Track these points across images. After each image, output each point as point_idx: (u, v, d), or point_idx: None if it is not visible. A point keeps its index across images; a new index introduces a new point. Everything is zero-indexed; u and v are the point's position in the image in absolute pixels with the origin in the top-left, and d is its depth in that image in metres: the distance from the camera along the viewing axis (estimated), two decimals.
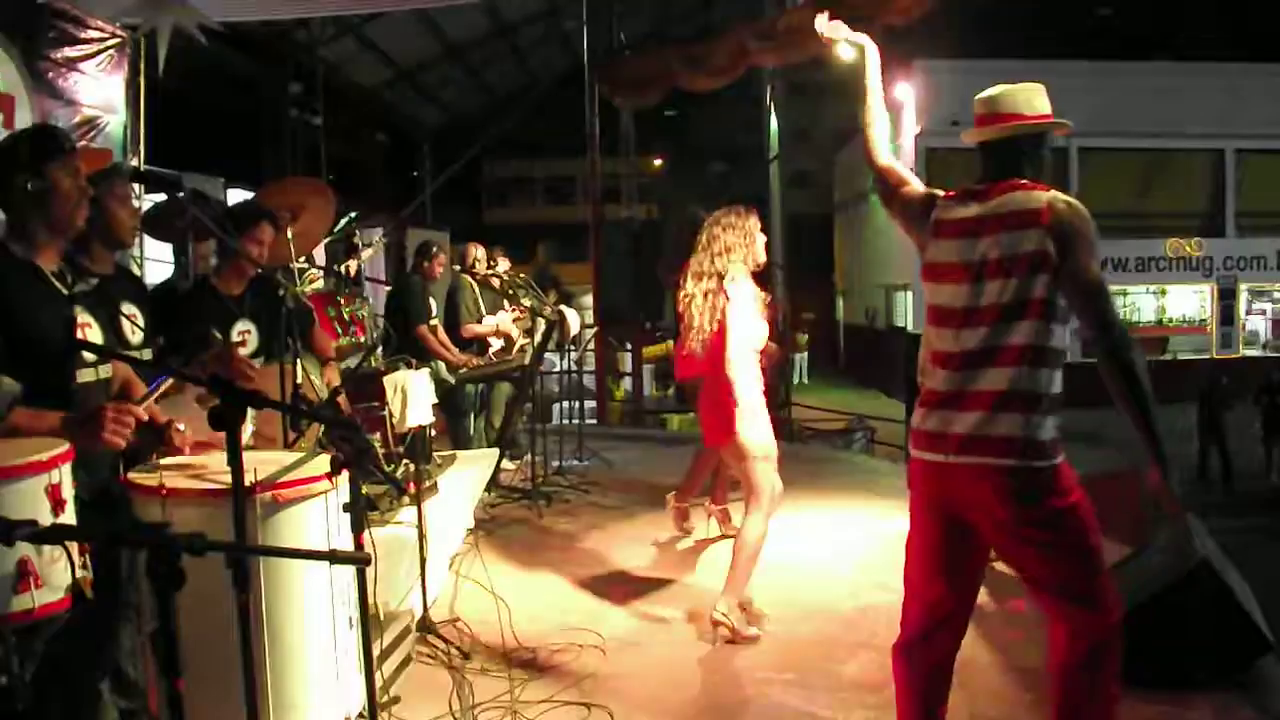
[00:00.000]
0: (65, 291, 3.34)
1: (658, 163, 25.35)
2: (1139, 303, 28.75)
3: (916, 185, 3.67)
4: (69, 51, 6.76)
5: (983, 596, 5.69)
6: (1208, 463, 18.84)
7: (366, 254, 6.51)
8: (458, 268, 9.22)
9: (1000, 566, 3.82)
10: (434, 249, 8.83)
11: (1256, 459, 18.78)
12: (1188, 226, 28.20)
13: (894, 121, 28.38)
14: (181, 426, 3.55)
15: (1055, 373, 3.26)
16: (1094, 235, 3.22)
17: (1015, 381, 3.22)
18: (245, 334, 4.71)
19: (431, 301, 8.70)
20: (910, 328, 25.13)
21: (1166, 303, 28.95)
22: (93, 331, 3.39)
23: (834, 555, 6.35)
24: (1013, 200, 3.30)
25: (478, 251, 9.11)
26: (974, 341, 3.29)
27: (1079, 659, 3.29)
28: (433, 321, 8.63)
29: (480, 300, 9.09)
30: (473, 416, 8.84)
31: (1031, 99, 3.46)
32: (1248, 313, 28.89)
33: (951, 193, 3.52)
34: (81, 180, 3.34)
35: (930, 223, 3.48)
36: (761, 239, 5.41)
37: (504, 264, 9.43)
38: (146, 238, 6.31)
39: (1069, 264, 3.18)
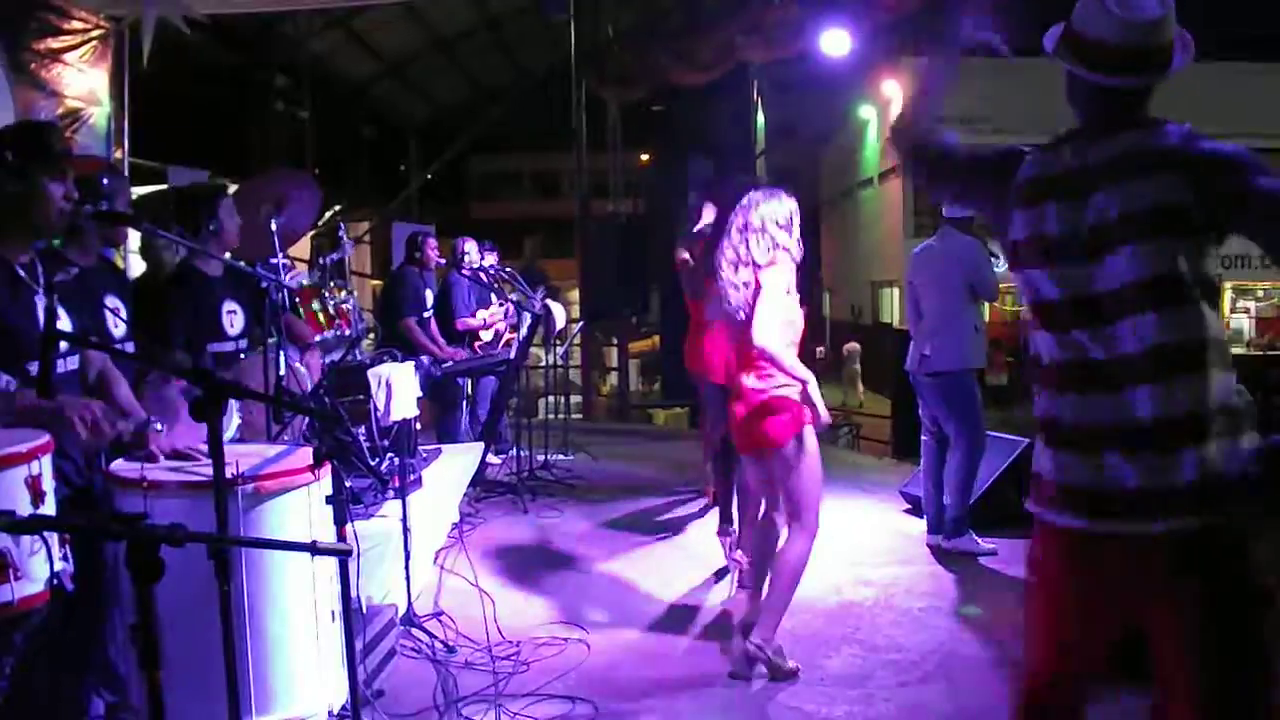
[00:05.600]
0: (35, 285, 3.28)
1: (644, 158, 25.24)
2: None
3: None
4: (52, 42, 6.73)
5: (969, 592, 5.72)
6: None
7: (337, 255, 6.48)
8: (444, 261, 9.20)
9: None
10: (425, 237, 8.82)
11: None
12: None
13: (883, 118, 28.46)
14: (159, 427, 3.52)
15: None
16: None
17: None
18: (232, 314, 4.69)
19: (428, 294, 8.69)
20: (896, 324, 25.15)
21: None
22: (60, 323, 3.35)
23: (818, 551, 6.33)
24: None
25: (468, 245, 9.10)
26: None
27: None
28: (426, 315, 8.61)
29: (471, 294, 9.10)
30: (463, 410, 8.83)
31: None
32: (1232, 311, 28.99)
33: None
34: (69, 185, 3.29)
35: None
36: (798, 225, 4.83)
37: (491, 258, 9.41)
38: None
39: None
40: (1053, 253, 2.49)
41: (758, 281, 4.63)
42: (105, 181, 3.98)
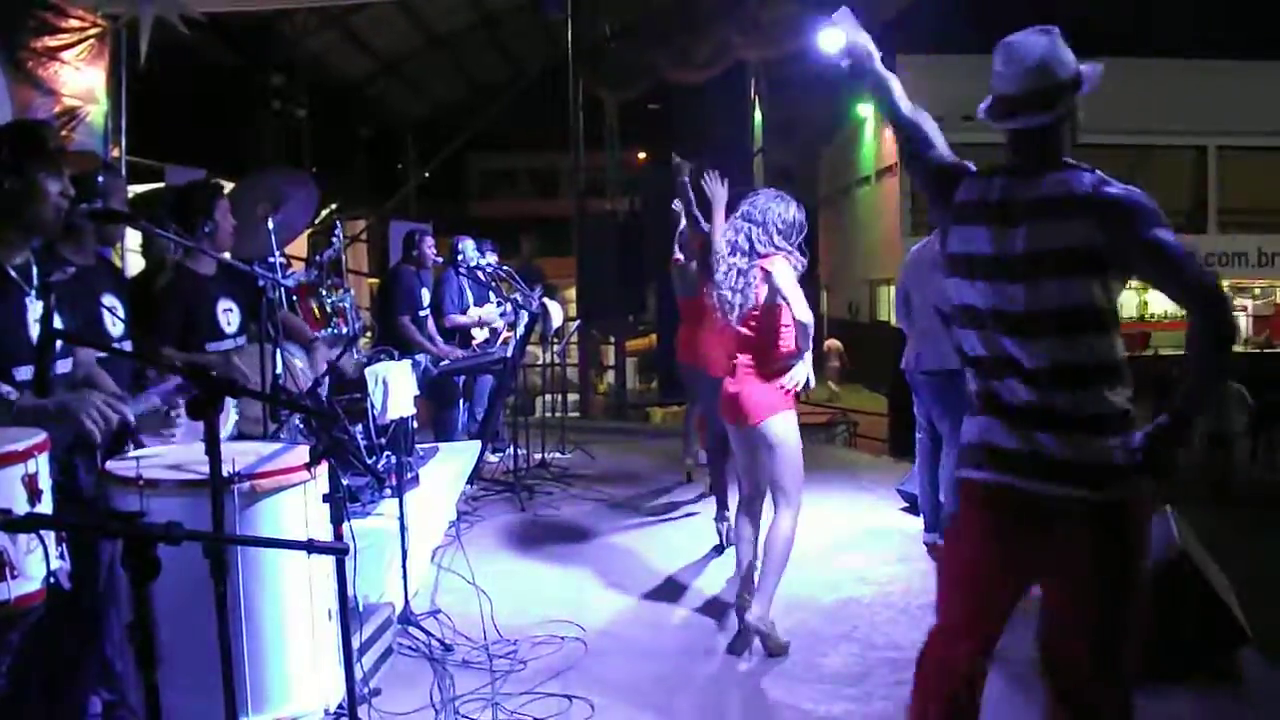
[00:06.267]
0: (28, 286, 3.26)
1: (642, 156, 25.22)
2: (1121, 298, 28.75)
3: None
4: (49, 41, 6.72)
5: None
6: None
7: (329, 253, 6.49)
8: (441, 259, 9.18)
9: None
10: (422, 235, 8.81)
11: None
12: (1170, 222, 28.18)
13: (879, 117, 28.44)
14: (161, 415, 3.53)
15: None
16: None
17: None
18: (228, 312, 4.68)
19: (424, 292, 8.68)
20: (893, 322, 25.17)
21: (1149, 298, 29.04)
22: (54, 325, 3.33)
23: (816, 549, 6.34)
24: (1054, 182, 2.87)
25: (466, 244, 9.09)
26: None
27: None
28: (423, 313, 8.60)
29: (465, 292, 9.07)
30: (460, 408, 8.82)
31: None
32: None
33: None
34: (65, 183, 3.28)
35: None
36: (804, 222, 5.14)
37: (493, 258, 9.41)
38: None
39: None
40: (982, 271, 2.89)
41: (761, 271, 4.93)
42: (100, 179, 3.97)
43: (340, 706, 3.57)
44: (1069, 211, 2.77)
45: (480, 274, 9.00)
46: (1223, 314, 2.79)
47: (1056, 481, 2.82)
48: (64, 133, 6.61)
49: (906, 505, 7.42)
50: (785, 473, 5.02)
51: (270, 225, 5.40)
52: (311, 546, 2.59)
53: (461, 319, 8.94)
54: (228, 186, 5.50)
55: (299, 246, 10.91)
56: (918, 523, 6.81)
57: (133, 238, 7.03)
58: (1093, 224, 2.74)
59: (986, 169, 3.01)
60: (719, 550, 6.54)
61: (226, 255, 4.98)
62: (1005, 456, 2.89)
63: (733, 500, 6.32)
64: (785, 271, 4.91)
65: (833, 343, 25.55)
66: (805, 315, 4.86)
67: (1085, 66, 2.92)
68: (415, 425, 6.50)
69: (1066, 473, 2.80)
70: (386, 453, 5.75)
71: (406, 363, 6.50)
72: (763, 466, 5.11)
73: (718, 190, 5.46)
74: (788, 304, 4.90)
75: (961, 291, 2.98)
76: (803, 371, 4.97)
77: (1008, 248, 2.84)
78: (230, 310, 4.67)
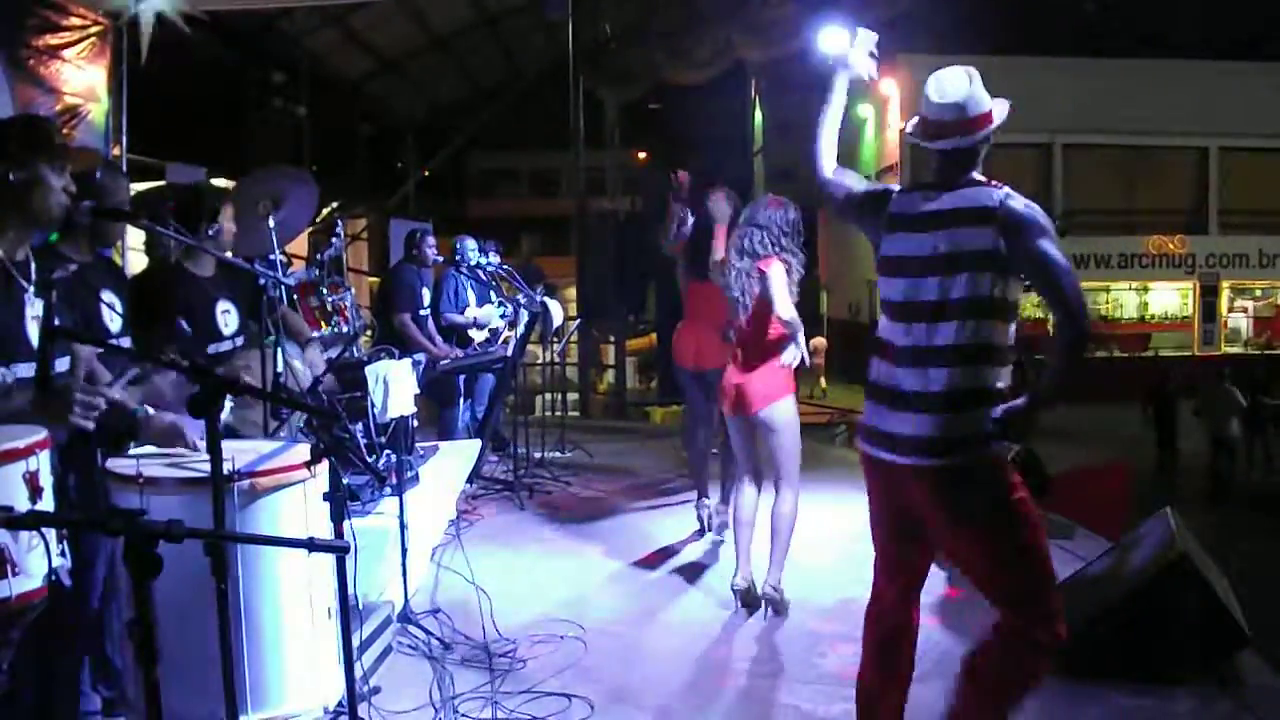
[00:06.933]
0: (27, 282, 3.26)
1: (642, 156, 25.25)
2: (1121, 299, 28.85)
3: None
4: (50, 39, 6.72)
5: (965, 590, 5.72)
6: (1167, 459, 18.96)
7: (331, 252, 6.50)
8: (442, 258, 9.17)
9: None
10: (423, 234, 8.81)
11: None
12: (1171, 223, 28.28)
13: (880, 116, 28.45)
14: (150, 409, 3.52)
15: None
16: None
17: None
18: (226, 313, 4.67)
19: (425, 291, 8.67)
20: None
21: (1149, 299, 29.07)
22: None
23: (815, 548, 6.35)
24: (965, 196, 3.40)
25: (468, 243, 9.09)
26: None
27: (999, 657, 3.45)
28: (423, 312, 8.60)
29: (465, 290, 9.06)
30: (461, 406, 8.82)
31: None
32: (1230, 310, 29.01)
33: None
34: (67, 178, 3.28)
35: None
36: (800, 226, 5.52)
37: (497, 258, 9.42)
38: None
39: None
40: (904, 270, 3.43)
41: (759, 271, 5.33)
42: (99, 176, 3.96)
43: (340, 705, 3.57)
44: (979, 221, 3.30)
45: (481, 273, 9.00)
46: (1084, 324, 3.29)
47: (934, 455, 3.31)
48: (65, 131, 6.60)
49: None
50: (787, 455, 5.42)
51: (271, 223, 5.40)
52: (312, 545, 2.59)
53: (457, 318, 8.90)
54: (228, 185, 5.50)
55: (299, 245, 10.90)
56: None
57: (134, 236, 7.01)
58: (996, 232, 3.27)
59: (909, 186, 3.58)
60: (699, 534, 6.87)
61: (228, 253, 4.97)
62: (890, 433, 3.41)
63: (713, 491, 6.93)
64: (778, 273, 5.30)
65: (818, 341, 25.82)
66: (787, 313, 5.23)
67: (997, 103, 3.44)
68: (416, 424, 6.50)
69: (942, 444, 3.29)
70: (387, 451, 5.75)
71: (407, 361, 6.49)
72: (765, 451, 5.51)
73: (722, 208, 6.12)
74: (772, 303, 5.26)
75: (889, 287, 3.50)
76: (793, 353, 5.32)
77: (929, 249, 3.37)
78: (228, 312, 4.65)
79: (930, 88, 3.43)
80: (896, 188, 3.62)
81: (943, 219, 3.37)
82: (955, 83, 3.41)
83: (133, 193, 5.39)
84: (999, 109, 3.43)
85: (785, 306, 5.24)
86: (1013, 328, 3.38)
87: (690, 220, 6.70)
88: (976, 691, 3.50)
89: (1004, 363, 3.35)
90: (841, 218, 3.82)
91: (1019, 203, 3.31)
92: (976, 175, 3.43)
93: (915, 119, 3.53)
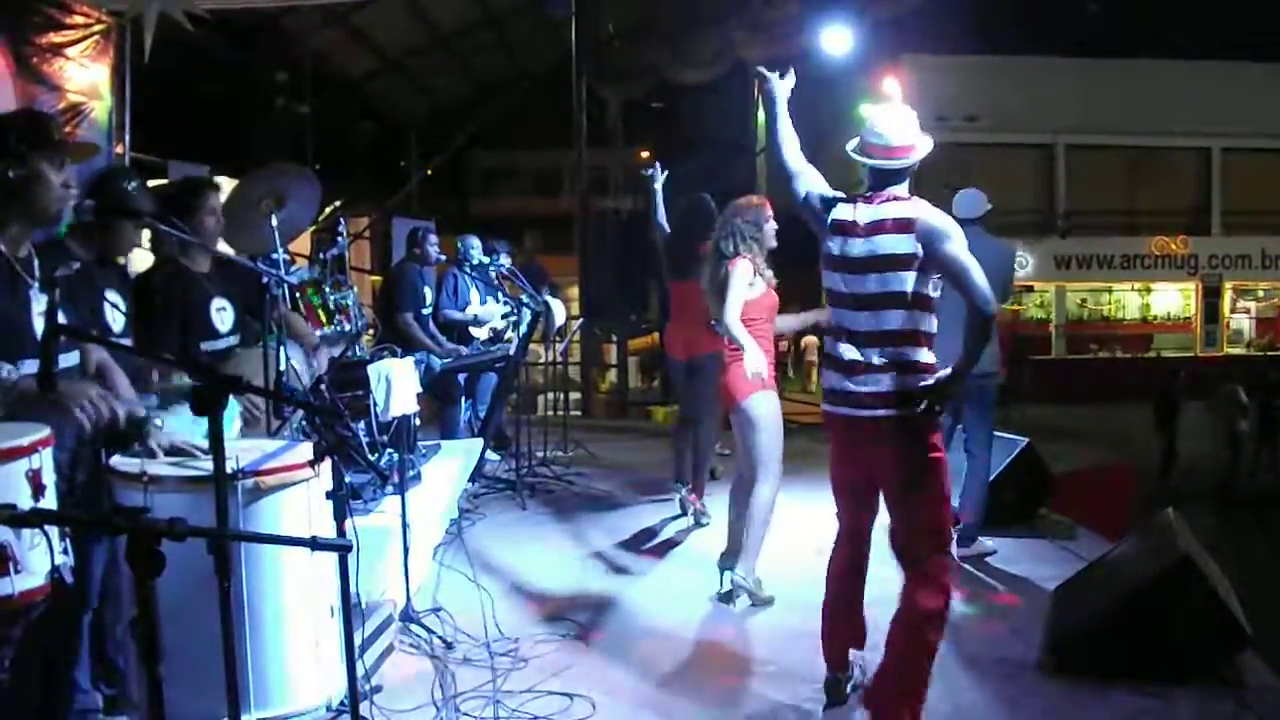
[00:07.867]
0: (31, 279, 3.26)
1: (645, 154, 25.30)
2: (1124, 300, 28.83)
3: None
4: (54, 37, 6.73)
5: (968, 590, 5.73)
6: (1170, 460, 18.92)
7: (334, 250, 6.52)
8: (444, 257, 9.17)
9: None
10: (426, 233, 8.81)
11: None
12: (1174, 224, 28.26)
13: None
14: (159, 422, 3.53)
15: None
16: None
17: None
18: (222, 311, 4.65)
19: (427, 290, 8.67)
20: None
21: (1151, 300, 29.04)
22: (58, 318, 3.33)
23: (816, 548, 6.35)
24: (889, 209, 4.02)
25: (473, 242, 9.09)
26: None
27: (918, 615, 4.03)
28: (425, 311, 8.60)
29: (466, 289, 9.06)
30: (463, 405, 8.82)
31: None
32: (1232, 311, 28.97)
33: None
34: (67, 175, 3.28)
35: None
36: (771, 227, 5.75)
37: (505, 260, 9.43)
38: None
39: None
40: (846, 267, 4.08)
41: (727, 270, 5.51)
42: (131, 187, 3.96)
43: (342, 703, 3.57)
44: (902, 229, 3.95)
45: (485, 272, 9.00)
46: (986, 314, 3.88)
47: (885, 407, 3.96)
48: (69, 129, 6.61)
49: None
50: (764, 446, 5.55)
51: (274, 222, 5.39)
52: (315, 543, 2.59)
53: (456, 314, 8.89)
54: (230, 184, 5.49)
55: (302, 243, 10.91)
56: None
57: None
58: (915, 239, 3.92)
59: (849, 196, 4.16)
60: (679, 517, 7.25)
61: (231, 252, 4.96)
62: (844, 395, 4.06)
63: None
64: (738, 274, 5.47)
65: (811, 339, 25.82)
66: (727, 315, 5.37)
67: (922, 137, 4.09)
68: (418, 423, 6.50)
69: (893, 399, 3.95)
70: (389, 450, 5.75)
71: (409, 360, 6.50)
72: (744, 442, 5.65)
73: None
74: (723, 300, 5.41)
75: (832, 281, 4.16)
76: (750, 359, 5.27)
77: (863, 251, 4.02)
78: (224, 309, 4.62)
79: (877, 115, 4.12)
80: (842, 195, 4.20)
81: (873, 227, 4.01)
82: (900, 112, 4.12)
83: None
84: (922, 144, 4.08)
85: (731, 309, 5.37)
86: (934, 317, 4.04)
87: (663, 176, 7.38)
88: (901, 647, 4.06)
89: (930, 344, 4.02)
90: (801, 216, 4.33)
91: (934, 215, 3.97)
92: (901, 191, 4.07)
93: (857, 139, 4.14)
